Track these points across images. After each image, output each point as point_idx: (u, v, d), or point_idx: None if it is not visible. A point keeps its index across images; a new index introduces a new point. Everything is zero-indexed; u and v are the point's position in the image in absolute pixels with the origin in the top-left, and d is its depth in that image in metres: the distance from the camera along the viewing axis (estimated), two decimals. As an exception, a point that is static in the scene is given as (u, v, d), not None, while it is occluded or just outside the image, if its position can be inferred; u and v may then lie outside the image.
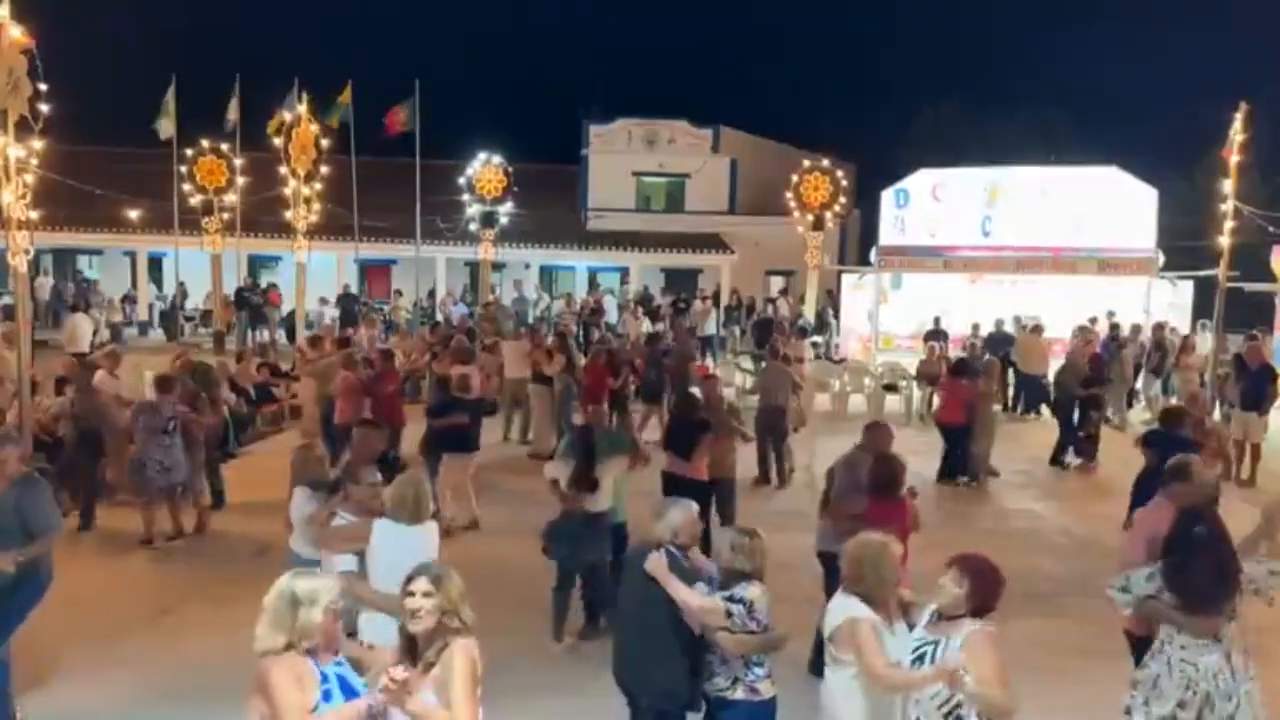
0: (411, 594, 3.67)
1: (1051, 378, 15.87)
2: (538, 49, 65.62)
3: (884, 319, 23.37)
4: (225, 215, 25.32)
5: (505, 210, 24.28)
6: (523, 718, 5.67)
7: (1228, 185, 17.20)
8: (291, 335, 23.40)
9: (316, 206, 21.80)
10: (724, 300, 29.20)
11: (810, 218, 23.44)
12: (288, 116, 21.09)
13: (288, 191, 21.47)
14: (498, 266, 28.68)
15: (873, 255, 23.61)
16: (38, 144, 10.45)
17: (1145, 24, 45.60)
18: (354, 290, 28.75)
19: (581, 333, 23.14)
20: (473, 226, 24.48)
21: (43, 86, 10.03)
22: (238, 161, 24.91)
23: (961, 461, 12.79)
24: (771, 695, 4.68)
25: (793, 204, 23.60)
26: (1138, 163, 22.29)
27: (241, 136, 25.09)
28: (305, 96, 21.31)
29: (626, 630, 4.98)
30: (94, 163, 28.18)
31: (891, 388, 18.34)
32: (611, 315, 27.38)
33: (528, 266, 33.27)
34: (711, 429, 8.92)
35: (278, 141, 21.08)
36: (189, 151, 24.93)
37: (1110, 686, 5.41)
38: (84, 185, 24.15)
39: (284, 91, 21.93)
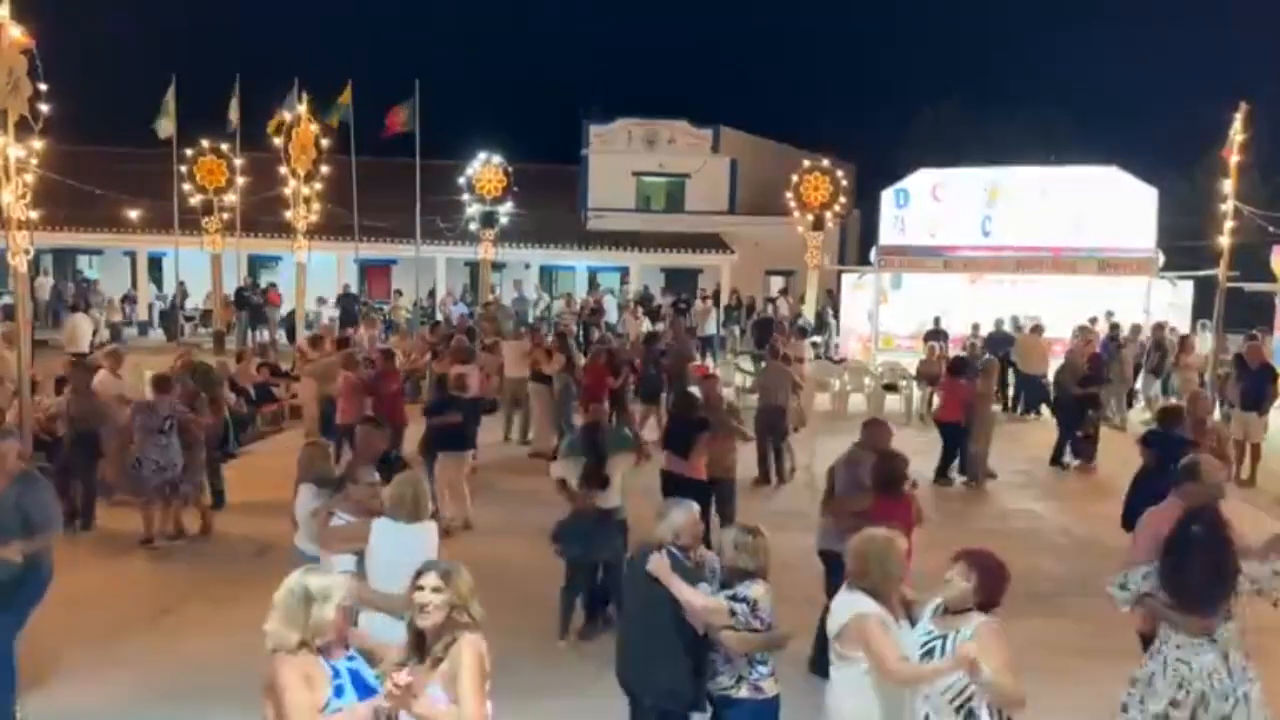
0: (421, 588, 3.67)
1: (1051, 378, 15.88)
2: (538, 49, 65.69)
3: (884, 319, 23.38)
4: (225, 215, 25.32)
5: (505, 210, 24.28)
6: (524, 718, 5.67)
7: (1228, 185, 17.20)
8: (291, 335, 23.40)
9: (316, 206, 21.81)
10: (724, 300, 29.20)
11: (810, 218, 23.45)
12: (288, 116, 21.09)
13: (288, 191, 21.47)
14: (498, 266, 28.68)
15: (873, 255, 23.62)
16: (38, 144, 10.44)
17: (1145, 24, 45.67)
18: (354, 290, 28.76)
19: (581, 333, 23.15)
20: (473, 226, 24.48)
21: (43, 86, 10.03)
22: (238, 161, 24.92)
23: (961, 461, 12.80)
24: (775, 693, 4.68)
25: (793, 204, 23.61)
26: (1138, 163, 22.33)
27: (241, 136, 25.11)
28: (305, 96, 21.31)
29: (630, 631, 4.98)
30: (94, 163, 28.18)
31: (891, 388, 18.34)
32: (611, 315, 27.38)
33: (528, 266, 33.27)
34: (710, 428, 8.93)
35: (278, 141, 21.09)
36: (189, 151, 24.94)
37: (1110, 686, 5.40)
38: (84, 185, 24.16)
39: (284, 91, 21.93)
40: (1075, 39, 57.80)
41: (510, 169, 23.79)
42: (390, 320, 25.93)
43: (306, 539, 6.30)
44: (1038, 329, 18.10)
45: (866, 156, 33.18)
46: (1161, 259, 21.41)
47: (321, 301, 27.10)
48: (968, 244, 22.42)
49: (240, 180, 25.04)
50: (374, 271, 33.20)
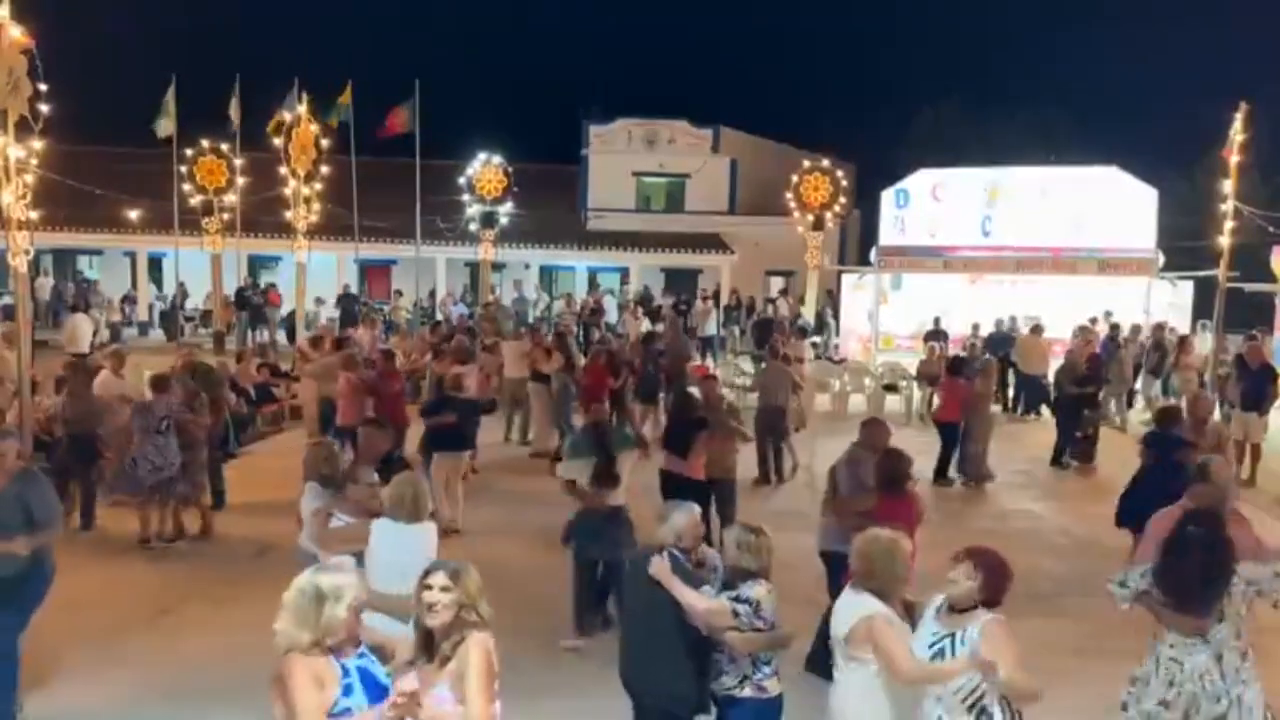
0: (429, 588, 3.67)
1: (1052, 378, 15.88)
2: (538, 49, 65.70)
3: (884, 319, 23.38)
4: (225, 215, 25.32)
5: (505, 210, 24.30)
6: (527, 718, 5.67)
7: (1228, 185, 17.21)
8: (291, 335, 23.41)
9: (316, 206, 21.82)
10: (724, 300, 29.19)
11: (810, 218, 23.46)
12: (288, 116, 21.09)
13: (288, 191, 21.48)
14: (498, 267, 28.68)
15: (873, 255, 23.61)
16: (38, 144, 10.45)
17: (1145, 24, 45.67)
18: (354, 290, 28.76)
19: (581, 333, 23.14)
20: (473, 226, 24.49)
21: (43, 86, 10.03)
22: (238, 161, 24.92)
23: (960, 461, 12.80)
24: (778, 693, 4.69)
25: (793, 204, 23.61)
26: (1138, 163, 22.32)
27: (241, 136, 25.10)
28: (305, 96, 21.32)
29: (632, 632, 4.98)
30: (94, 163, 28.20)
31: (892, 388, 18.34)
32: (611, 315, 27.39)
33: (528, 267, 33.28)
34: (708, 428, 8.92)
35: (278, 141, 21.09)
36: (189, 151, 24.95)
37: (1109, 686, 5.41)
38: (84, 185, 24.17)
39: (284, 91, 21.94)
40: (1075, 39, 57.90)
41: (510, 169, 23.81)
42: (390, 320, 25.93)
43: (309, 538, 6.30)
44: (1038, 329, 18.10)
45: (866, 156, 33.24)
46: (1161, 259, 21.41)
47: (319, 302, 27.09)
48: (968, 244, 22.42)
49: (240, 180, 25.04)
50: (374, 272, 33.20)
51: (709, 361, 22.35)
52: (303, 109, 21.05)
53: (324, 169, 21.79)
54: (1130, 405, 17.40)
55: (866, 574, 4.27)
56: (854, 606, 4.24)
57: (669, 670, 4.71)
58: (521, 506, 11.18)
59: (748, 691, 4.63)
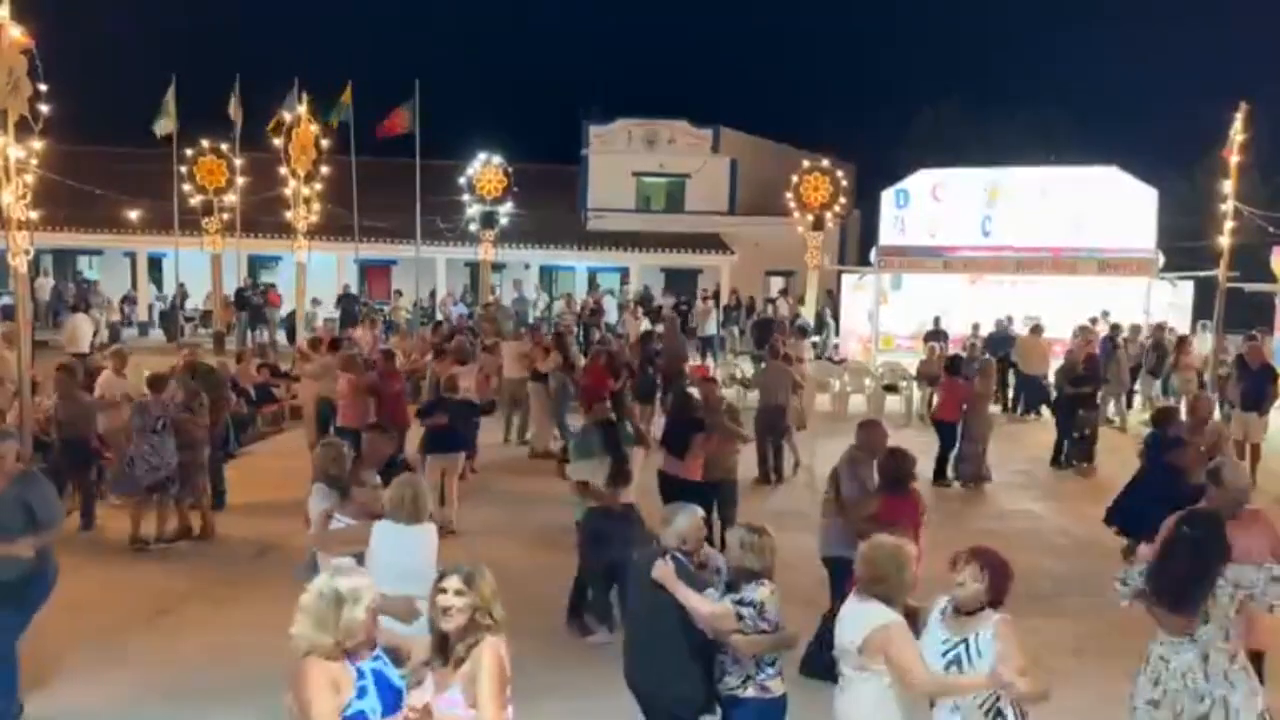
0: (444, 591, 3.69)
1: (1052, 378, 15.89)
2: (538, 49, 65.64)
3: (884, 319, 23.37)
4: (225, 215, 25.33)
5: (505, 210, 24.30)
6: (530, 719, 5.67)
7: (1228, 185, 17.21)
8: (291, 336, 23.41)
9: (316, 206, 21.81)
10: (723, 300, 29.19)
11: (810, 218, 23.44)
12: (288, 116, 21.09)
13: (288, 191, 21.48)
14: (498, 267, 28.69)
15: (873, 255, 23.61)
16: (38, 144, 10.44)
17: (1145, 24, 45.62)
18: (354, 290, 28.76)
19: (581, 333, 23.14)
20: (473, 227, 24.50)
21: (43, 86, 10.03)
22: (238, 161, 24.92)
23: (956, 461, 12.80)
24: (782, 693, 4.69)
25: (793, 204, 23.60)
26: (1138, 163, 22.31)
27: (241, 136, 25.12)
28: (305, 96, 21.32)
29: (636, 635, 4.99)
30: (94, 163, 28.19)
31: (892, 388, 18.35)
32: (611, 315, 27.39)
33: (528, 267, 33.28)
34: (706, 429, 8.91)
35: (278, 141, 21.09)
36: (189, 151, 24.96)
37: (1108, 687, 5.42)
38: (84, 185, 24.18)
39: (284, 91, 21.95)
40: (1075, 39, 57.83)
41: (510, 169, 23.81)
42: (390, 321, 25.94)
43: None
44: (1038, 329, 18.09)
45: (866, 156, 33.23)
46: (1161, 259, 21.40)
47: (316, 302, 27.01)
48: (968, 244, 22.41)
49: (240, 180, 25.05)
50: (374, 272, 33.20)
51: (709, 361, 22.35)
52: (303, 109, 21.05)
53: (324, 169, 21.79)
54: (1130, 405, 17.40)
55: (875, 580, 4.21)
56: (865, 616, 4.16)
57: (673, 672, 4.72)
58: (521, 506, 11.18)
59: (751, 692, 4.63)
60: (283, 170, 21.31)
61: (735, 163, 34.22)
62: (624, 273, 33.09)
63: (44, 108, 10.13)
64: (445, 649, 3.69)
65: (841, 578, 6.48)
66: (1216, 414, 14.74)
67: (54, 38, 10.95)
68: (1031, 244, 21.78)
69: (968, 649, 4.06)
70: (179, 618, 7.87)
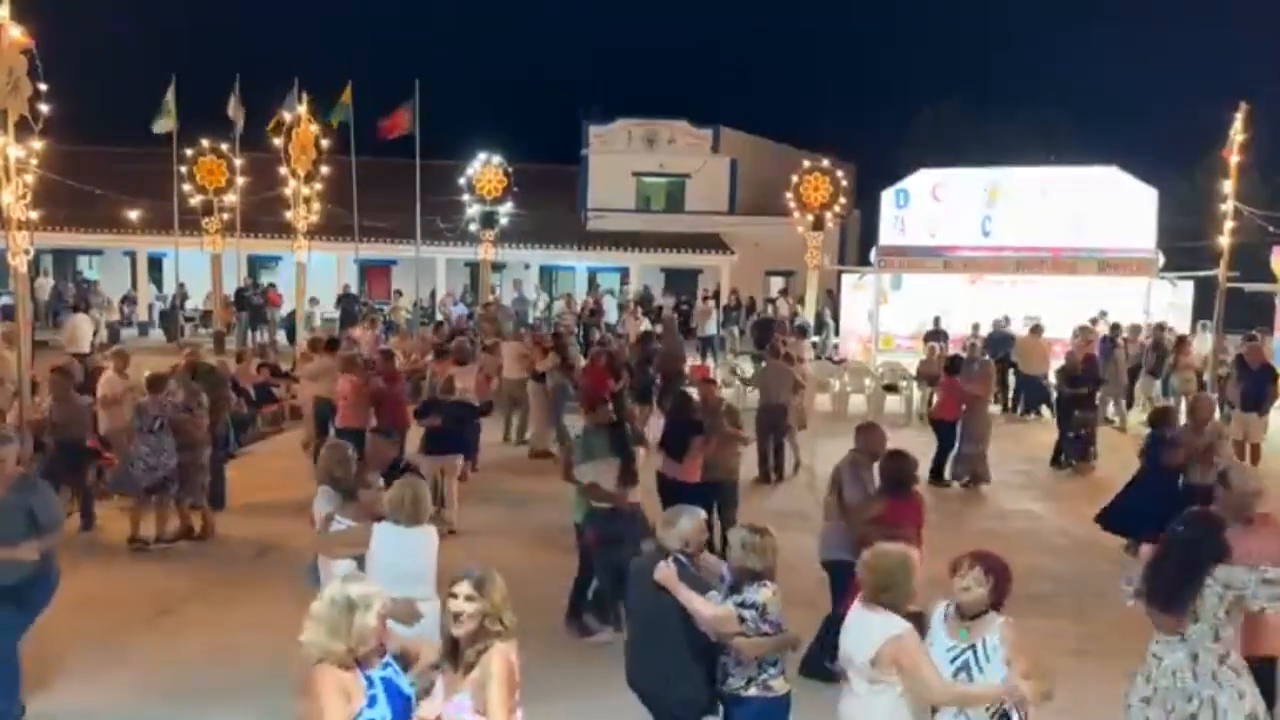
0: (454, 596, 3.70)
1: (1053, 378, 15.89)
2: (538, 49, 65.63)
3: (884, 319, 23.35)
4: (225, 215, 25.32)
5: (505, 210, 24.28)
6: None
7: (1228, 185, 17.21)
8: (291, 335, 23.40)
9: (316, 206, 21.78)
10: (723, 300, 29.19)
11: (810, 218, 23.43)
12: (288, 117, 21.09)
13: (288, 191, 21.45)
14: (498, 267, 28.68)
15: (873, 255, 23.59)
16: (38, 144, 10.45)
17: (1145, 24, 45.58)
18: (354, 290, 28.76)
19: (581, 333, 23.13)
20: (473, 227, 24.48)
21: (43, 86, 10.04)
22: (238, 161, 24.92)
23: (953, 461, 12.80)
24: (786, 691, 4.70)
25: (793, 204, 23.59)
26: (1138, 163, 22.29)
27: (241, 136, 25.12)
28: (305, 96, 21.31)
29: (639, 638, 4.99)
30: (94, 163, 28.19)
31: (892, 388, 18.35)
32: (611, 316, 27.38)
33: (528, 267, 33.29)
34: (705, 431, 8.88)
35: (278, 141, 21.09)
36: (189, 151, 24.95)
37: (1107, 687, 5.42)
38: (84, 185, 24.18)
39: (284, 91, 21.94)
40: (1075, 39, 57.80)
41: (510, 169, 23.79)
42: (390, 321, 25.94)
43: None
44: (1038, 329, 18.09)
45: (866, 156, 33.23)
46: (1161, 259, 21.38)
47: (314, 302, 26.98)
48: (968, 244, 22.40)
49: (240, 180, 25.04)
50: (374, 272, 33.21)
51: (709, 362, 22.34)
52: (303, 109, 21.04)
53: (324, 169, 21.75)
54: (1130, 406, 17.40)
55: (881, 589, 4.16)
56: (876, 626, 4.10)
57: (675, 674, 4.73)
58: (521, 506, 11.18)
59: (754, 691, 4.63)
60: (283, 170, 21.30)
61: (735, 163, 34.23)
62: (624, 273, 33.09)
63: (44, 108, 10.14)
64: (455, 653, 3.71)
65: (842, 581, 6.49)
66: (1216, 414, 14.78)
67: (54, 38, 10.96)
68: (1031, 244, 21.76)
69: (975, 655, 4.07)
70: (179, 618, 7.87)
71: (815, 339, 22.97)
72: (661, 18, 68.15)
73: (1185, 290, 22.18)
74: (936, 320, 20.83)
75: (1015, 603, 4.29)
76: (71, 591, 6.33)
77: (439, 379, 11.32)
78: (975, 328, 19.42)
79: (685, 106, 37.29)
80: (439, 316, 25.17)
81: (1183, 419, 11.82)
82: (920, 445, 12.92)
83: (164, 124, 24.74)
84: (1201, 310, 21.08)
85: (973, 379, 13.22)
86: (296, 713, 3.58)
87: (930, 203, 22.83)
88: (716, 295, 29.15)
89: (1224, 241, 17.29)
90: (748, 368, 19.56)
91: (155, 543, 9.55)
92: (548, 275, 34.82)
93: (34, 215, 10.53)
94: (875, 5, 61.64)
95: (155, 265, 31.87)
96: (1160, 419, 9.82)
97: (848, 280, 25.20)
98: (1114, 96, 44.52)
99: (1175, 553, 4.64)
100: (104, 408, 10.98)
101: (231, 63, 25.84)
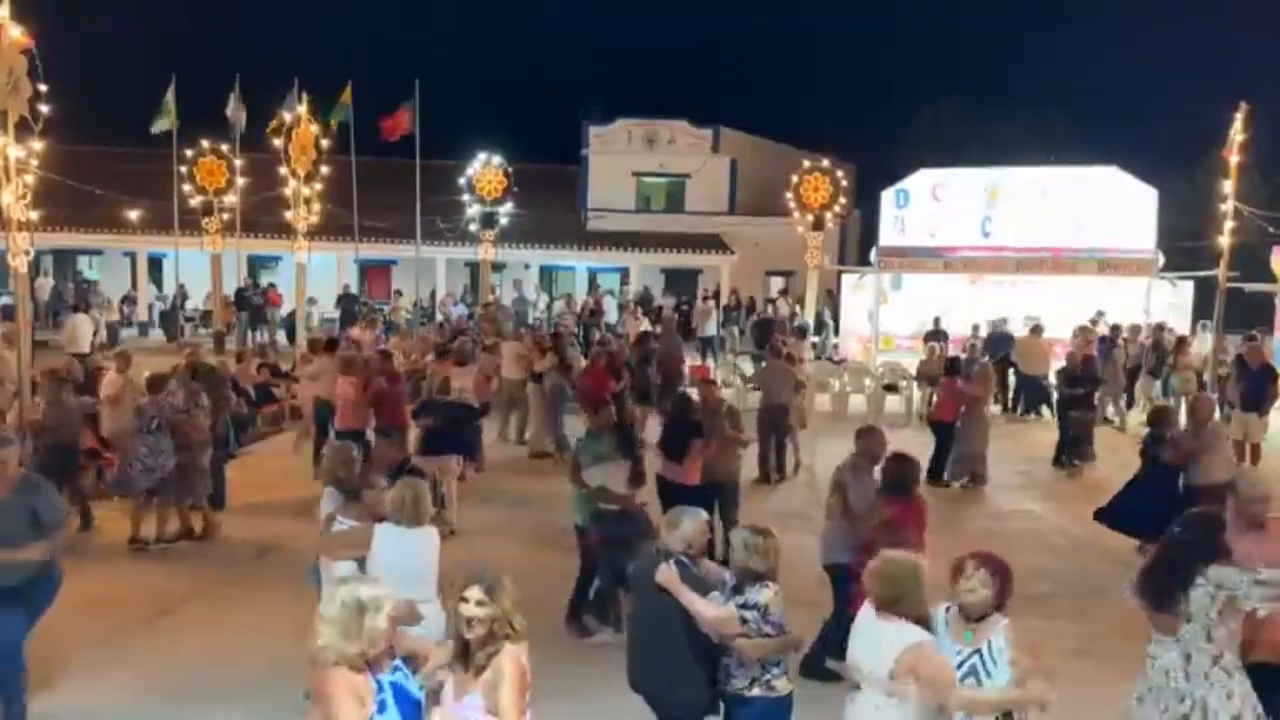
0: (466, 601, 3.74)
1: (1054, 379, 15.90)
2: (538, 49, 65.63)
3: (884, 319, 23.36)
4: (225, 215, 25.32)
5: (505, 210, 24.30)
6: None
7: (1228, 185, 17.21)
8: (291, 336, 23.40)
9: (316, 207, 21.79)
10: (723, 300, 29.19)
11: (810, 218, 23.42)
12: (288, 117, 21.10)
13: (288, 192, 21.46)
14: (498, 267, 28.69)
15: (873, 255, 23.60)
16: (38, 144, 10.46)
17: (1145, 24, 45.56)
18: (354, 290, 28.75)
19: (581, 333, 23.13)
20: (473, 227, 24.49)
21: (43, 86, 10.05)
22: (238, 161, 24.92)
23: (950, 461, 12.80)
24: (788, 691, 4.71)
25: (793, 204, 23.59)
26: (1138, 163, 22.30)
27: (241, 136, 25.12)
28: (305, 96, 21.32)
29: (641, 639, 5.00)
30: (94, 163, 28.19)
31: (892, 388, 18.35)
32: (611, 316, 27.38)
33: (528, 267, 33.28)
34: (704, 432, 8.86)
35: (278, 142, 21.09)
36: (189, 152, 24.96)
37: (1109, 687, 5.42)
38: (84, 185, 24.17)
39: (284, 91, 21.95)
40: (1075, 39, 57.76)
41: (510, 169, 23.80)
42: (390, 321, 25.93)
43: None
44: (1037, 329, 18.09)
45: (866, 156, 33.21)
46: (1161, 259, 21.39)
47: (312, 302, 26.95)
48: (968, 244, 22.40)
49: (240, 180, 25.04)
50: (374, 272, 33.21)
51: (709, 362, 22.34)
52: (303, 109, 21.04)
53: (324, 169, 21.76)
54: (1131, 406, 17.40)
55: (896, 599, 4.10)
56: (893, 636, 4.05)
57: (677, 675, 4.74)
58: (520, 506, 11.19)
59: (757, 691, 4.64)
60: (283, 170, 21.31)
61: (735, 163, 34.23)
62: (624, 273, 33.09)
63: (44, 108, 10.15)
64: (466, 654, 3.75)
65: (843, 584, 6.49)
66: (1216, 414, 14.78)
67: (54, 38, 10.97)
68: (1031, 244, 21.77)
69: (982, 658, 4.07)
70: (179, 618, 7.88)
71: (815, 339, 22.96)
72: (661, 18, 68.21)
73: (1185, 290, 22.18)
74: (936, 320, 20.83)
75: (1015, 603, 4.29)
76: (72, 592, 6.33)
77: (438, 379, 11.29)
78: (975, 328, 19.43)
79: (685, 106, 37.34)
80: (439, 317, 25.15)
81: (1183, 419, 11.84)
82: (919, 445, 12.92)
83: (162, 124, 24.74)
84: (1201, 310, 21.08)
85: (971, 380, 13.23)
86: (298, 713, 3.56)
87: (930, 203, 22.83)
88: (716, 295, 29.15)
89: (1224, 241, 17.29)
90: (748, 368, 19.55)
91: (155, 543, 9.56)
92: (548, 275, 34.82)
93: (34, 215, 10.54)
94: (875, 5, 61.69)
95: (155, 265, 31.87)
96: (1158, 418, 9.83)
97: (848, 280, 25.21)
98: (1114, 96, 44.55)
99: (1170, 553, 4.65)
100: (108, 408, 10.98)
101: (231, 63, 25.88)
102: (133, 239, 29.64)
